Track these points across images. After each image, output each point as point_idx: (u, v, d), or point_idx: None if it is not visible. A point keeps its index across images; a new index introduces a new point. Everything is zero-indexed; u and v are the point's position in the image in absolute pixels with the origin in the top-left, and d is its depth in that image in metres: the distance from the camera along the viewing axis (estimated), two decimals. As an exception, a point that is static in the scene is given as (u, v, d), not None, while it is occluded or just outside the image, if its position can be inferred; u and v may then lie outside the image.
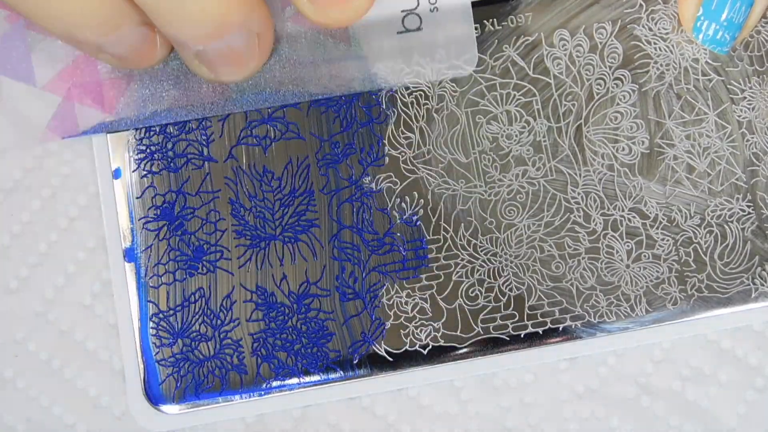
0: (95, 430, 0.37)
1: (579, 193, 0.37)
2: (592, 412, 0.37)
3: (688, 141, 0.38)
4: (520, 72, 0.38)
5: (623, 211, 0.37)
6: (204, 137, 0.37)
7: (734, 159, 0.37)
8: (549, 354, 0.37)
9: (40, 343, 0.37)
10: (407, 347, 0.37)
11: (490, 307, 0.37)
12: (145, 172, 0.37)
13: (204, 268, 0.37)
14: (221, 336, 0.37)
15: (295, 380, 0.37)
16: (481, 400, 0.37)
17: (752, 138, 0.38)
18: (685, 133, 0.38)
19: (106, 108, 0.37)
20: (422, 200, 0.37)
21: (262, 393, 0.37)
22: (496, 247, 0.37)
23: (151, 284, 0.37)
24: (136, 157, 0.37)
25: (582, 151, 0.37)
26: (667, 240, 0.37)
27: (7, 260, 0.38)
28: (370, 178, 0.37)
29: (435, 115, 0.38)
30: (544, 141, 0.37)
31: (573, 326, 0.37)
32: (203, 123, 0.37)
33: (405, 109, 0.38)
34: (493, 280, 0.37)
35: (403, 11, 0.37)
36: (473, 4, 0.37)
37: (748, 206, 0.37)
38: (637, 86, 0.38)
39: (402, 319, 0.37)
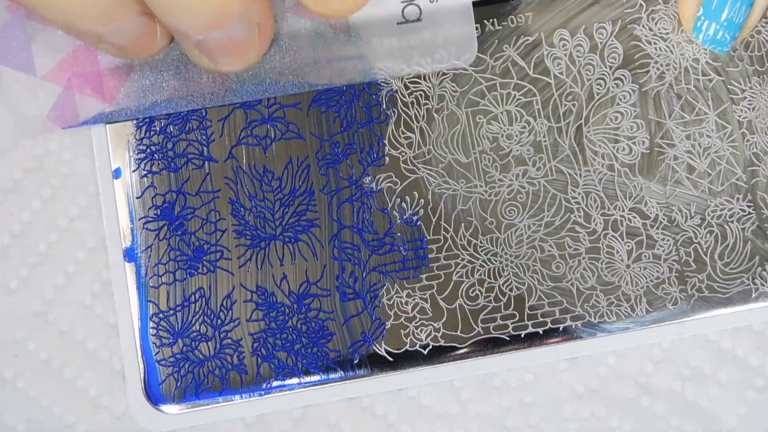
0: (95, 430, 0.37)
1: (579, 193, 0.37)
2: (592, 412, 0.37)
3: (688, 141, 0.38)
4: (521, 72, 0.38)
5: (623, 211, 0.37)
6: (204, 137, 0.37)
7: (734, 159, 0.37)
8: (549, 354, 0.37)
9: (40, 343, 0.37)
10: (407, 347, 0.37)
11: (490, 307, 0.37)
12: (145, 172, 0.37)
13: (204, 268, 0.37)
14: (221, 336, 0.37)
15: (295, 380, 0.37)
16: (481, 400, 0.37)
17: (752, 138, 0.38)
18: (686, 133, 0.38)
19: (106, 98, 0.37)
20: (422, 200, 0.37)
21: (262, 393, 0.37)
22: (497, 247, 0.37)
23: (151, 284, 0.37)
24: (136, 157, 0.37)
25: (582, 151, 0.37)
26: (668, 240, 0.37)
27: (7, 260, 0.38)
28: (370, 178, 0.37)
29: (435, 115, 0.38)
30: (545, 141, 0.37)
31: (573, 326, 0.37)
32: (203, 123, 0.37)
33: (405, 109, 0.38)
34: (493, 280, 0.37)
35: (402, 2, 0.37)
36: (473, 5, 0.37)
37: (749, 206, 0.37)
38: (638, 86, 0.38)
39: (402, 319, 0.37)
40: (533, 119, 0.38)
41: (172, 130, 0.37)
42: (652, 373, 0.38)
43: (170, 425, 0.37)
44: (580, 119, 0.38)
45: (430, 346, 0.37)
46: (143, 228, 0.37)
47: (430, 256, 0.37)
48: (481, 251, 0.37)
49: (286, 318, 0.37)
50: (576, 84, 0.38)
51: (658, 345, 0.38)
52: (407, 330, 0.37)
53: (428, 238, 0.37)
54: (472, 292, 0.37)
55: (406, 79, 0.38)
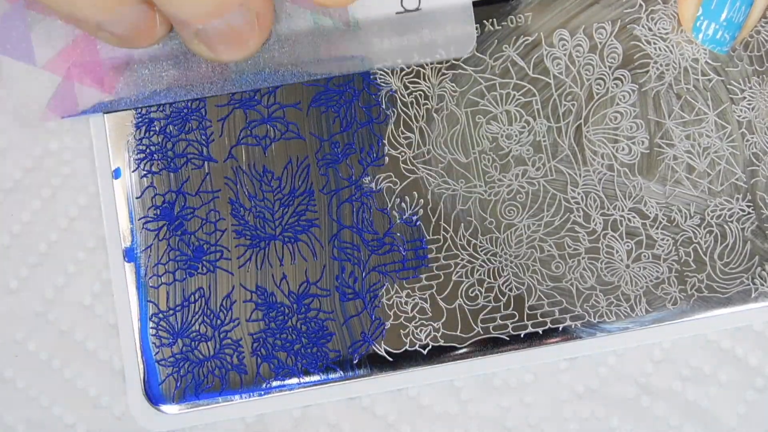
0: (95, 430, 0.37)
1: (579, 193, 0.37)
2: (592, 412, 0.37)
3: (687, 141, 0.38)
4: (520, 72, 0.38)
5: (623, 211, 0.37)
6: (204, 137, 0.37)
7: (734, 159, 0.37)
8: (549, 354, 0.37)
9: (40, 343, 0.37)
10: (407, 347, 0.37)
11: (490, 307, 0.37)
12: (145, 172, 0.37)
13: (204, 268, 0.37)
14: (221, 336, 0.37)
15: (295, 380, 0.37)
16: (481, 400, 0.37)
17: (752, 138, 0.38)
18: (685, 133, 0.38)
19: (105, 87, 0.37)
20: (422, 200, 0.37)
21: (262, 393, 0.37)
22: (496, 247, 0.37)
23: (151, 284, 0.37)
24: (136, 157, 0.37)
25: (582, 151, 0.37)
26: (667, 240, 0.37)
27: (7, 260, 0.38)
28: (370, 178, 0.37)
29: (435, 115, 0.38)
30: (544, 141, 0.37)
31: (573, 326, 0.37)
32: (203, 123, 0.37)
33: (405, 109, 0.38)
34: (493, 280, 0.37)
35: None
36: (473, 5, 0.37)
37: (748, 206, 0.37)
38: (637, 86, 0.38)
39: (402, 319, 0.37)
40: (533, 119, 0.38)
41: (171, 130, 0.37)
42: (652, 373, 0.37)
43: (170, 425, 0.37)
44: (580, 119, 0.38)
45: (430, 346, 0.37)
46: (143, 228, 0.37)
47: (429, 256, 0.37)
48: (481, 251, 0.37)
49: (286, 318, 0.37)
50: (575, 84, 0.38)
51: (658, 345, 0.38)
52: (407, 330, 0.37)
53: (428, 238, 0.37)
54: (471, 292, 0.37)
55: (406, 79, 0.38)
